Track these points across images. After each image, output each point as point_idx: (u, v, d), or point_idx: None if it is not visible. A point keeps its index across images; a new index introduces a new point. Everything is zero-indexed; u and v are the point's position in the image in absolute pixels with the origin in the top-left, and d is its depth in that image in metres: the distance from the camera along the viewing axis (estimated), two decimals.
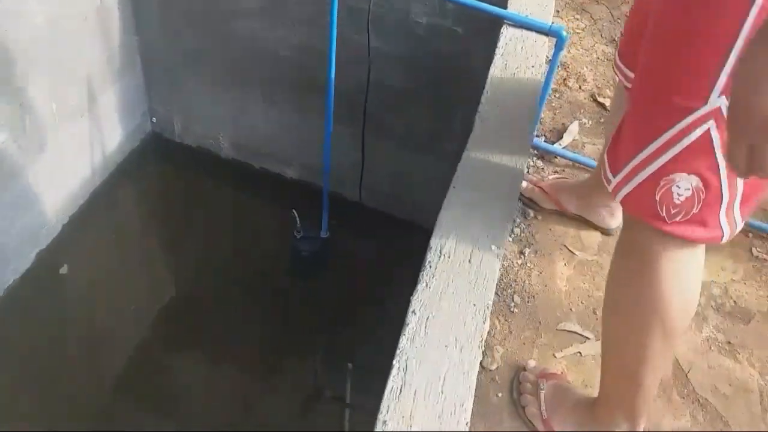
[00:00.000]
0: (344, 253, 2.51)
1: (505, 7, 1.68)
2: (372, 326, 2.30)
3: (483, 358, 1.37)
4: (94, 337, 2.26)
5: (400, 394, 0.87)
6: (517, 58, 1.52)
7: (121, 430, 2.06)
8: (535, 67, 1.49)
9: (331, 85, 1.89)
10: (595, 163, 1.80)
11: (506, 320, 1.46)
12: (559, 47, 1.58)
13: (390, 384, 0.88)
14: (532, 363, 1.35)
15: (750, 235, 1.72)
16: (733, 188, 0.90)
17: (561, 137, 1.94)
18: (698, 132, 0.87)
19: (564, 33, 1.58)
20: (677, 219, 0.93)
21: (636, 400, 1.10)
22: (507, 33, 1.60)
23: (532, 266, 1.58)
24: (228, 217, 2.70)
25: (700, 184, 0.90)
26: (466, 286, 1.00)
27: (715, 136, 0.86)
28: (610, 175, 1.00)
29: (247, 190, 2.77)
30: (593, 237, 1.65)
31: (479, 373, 1.35)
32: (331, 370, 2.34)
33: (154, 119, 2.77)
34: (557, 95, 2.11)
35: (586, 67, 2.22)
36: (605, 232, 1.65)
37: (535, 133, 1.89)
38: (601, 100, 2.09)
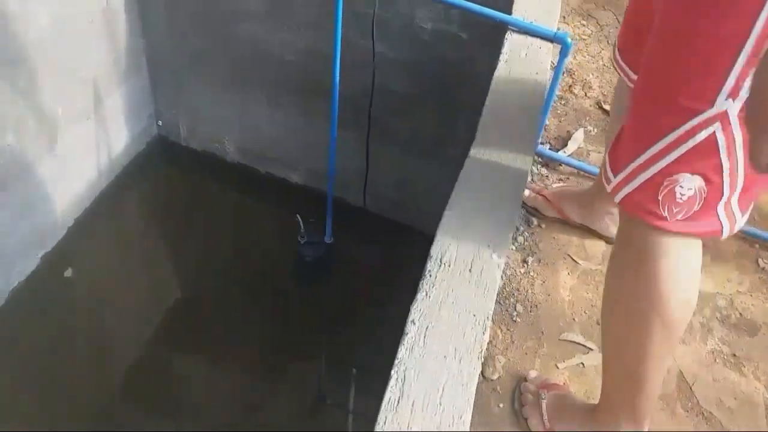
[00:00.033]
0: (348, 259, 2.50)
1: (510, 13, 1.67)
2: (374, 331, 2.29)
3: (484, 367, 1.36)
4: (98, 340, 2.27)
5: (397, 405, 0.86)
6: (521, 64, 1.51)
7: (122, 431, 2.06)
8: (539, 74, 1.48)
9: (335, 90, 1.89)
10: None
11: (508, 329, 1.45)
12: (563, 54, 1.57)
13: (388, 395, 0.87)
14: (533, 374, 1.33)
15: (756, 246, 1.70)
16: (734, 185, 0.90)
17: (566, 145, 1.93)
18: (704, 134, 0.86)
19: (569, 40, 1.56)
20: (678, 218, 0.93)
21: (639, 400, 1.09)
22: (511, 39, 1.59)
23: (535, 275, 1.56)
24: (233, 221, 2.70)
25: (703, 184, 0.90)
26: (467, 295, 0.99)
27: (721, 138, 0.86)
28: (610, 174, 0.99)
29: (252, 195, 2.77)
30: (597, 246, 1.63)
31: (480, 382, 1.34)
32: (333, 373, 2.34)
33: (160, 122, 2.78)
34: (562, 102, 2.10)
35: (592, 74, 2.21)
36: (609, 240, 1.63)
37: (540, 140, 1.88)
38: (606, 107, 2.07)
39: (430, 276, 1.00)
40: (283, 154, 2.65)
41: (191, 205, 2.73)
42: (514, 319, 1.47)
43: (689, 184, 0.90)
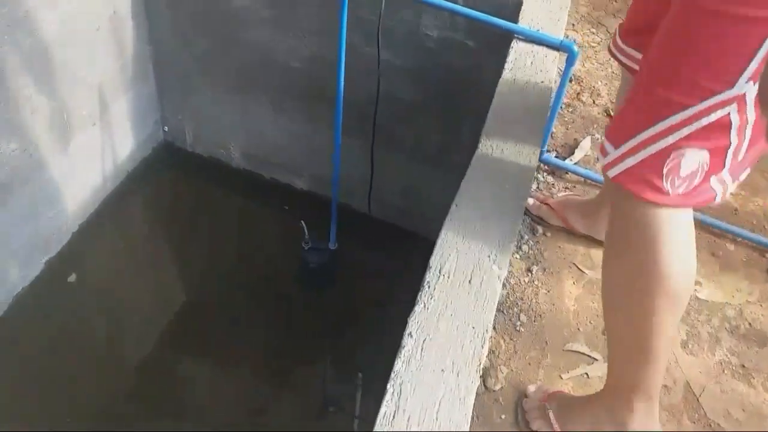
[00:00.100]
0: (352, 265, 2.49)
1: (517, 22, 1.65)
2: (378, 337, 2.28)
3: (487, 378, 1.34)
4: (102, 345, 2.27)
5: (393, 419, 0.85)
6: (526, 72, 1.50)
7: (122, 431, 2.06)
8: (544, 82, 1.46)
9: (340, 97, 1.88)
10: None
11: (512, 340, 1.43)
12: (570, 62, 1.56)
13: (383, 409, 0.85)
14: (532, 388, 1.31)
15: (767, 255, 1.67)
16: (735, 159, 0.92)
17: (573, 153, 1.91)
18: (719, 113, 0.86)
19: (575, 48, 1.55)
20: (680, 191, 0.93)
21: (650, 375, 1.07)
22: (517, 47, 1.57)
23: (539, 284, 1.54)
24: (238, 227, 2.70)
25: (708, 159, 0.90)
26: (466, 307, 0.97)
27: (735, 119, 0.86)
28: (610, 148, 0.98)
29: (257, 200, 2.77)
30: None
31: (482, 393, 1.32)
32: (336, 379, 2.33)
33: (166, 128, 2.78)
34: (570, 110, 2.08)
35: (601, 82, 2.19)
36: None
37: (546, 148, 1.86)
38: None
39: (429, 287, 0.98)
40: (287, 160, 2.65)
41: (196, 210, 2.73)
42: (518, 328, 1.45)
43: (695, 157, 0.91)
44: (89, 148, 2.39)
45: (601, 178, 1.80)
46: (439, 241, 1.06)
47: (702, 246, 1.67)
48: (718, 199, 0.96)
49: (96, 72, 2.30)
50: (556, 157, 1.88)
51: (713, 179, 0.94)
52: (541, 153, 1.77)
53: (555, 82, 1.58)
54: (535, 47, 1.59)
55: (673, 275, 0.98)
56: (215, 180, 2.78)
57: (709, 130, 0.88)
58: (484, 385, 1.33)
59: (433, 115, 2.18)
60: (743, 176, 0.99)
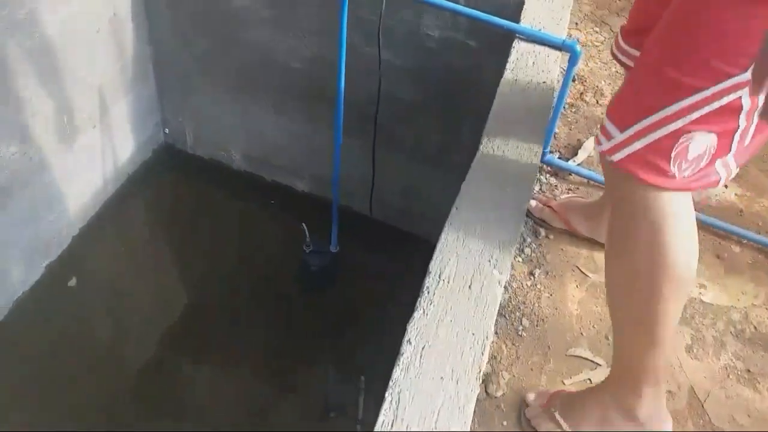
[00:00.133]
0: (353, 267, 2.47)
1: (519, 21, 1.64)
2: (379, 339, 2.26)
3: (488, 384, 1.32)
4: (102, 348, 2.26)
5: (391, 428, 0.83)
6: (528, 72, 1.48)
7: (122, 431, 2.05)
8: (546, 82, 1.44)
9: (340, 97, 1.87)
10: None
11: (513, 344, 1.41)
12: (573, 62, 1.53)
13: (381, 417, 0.83)
14: (531, 396, 1.29)
15: None
16: (741, 143, 0.91)
17: (576, 154, 1.88)
18: (732, 97, 0.85)
19: (578, 48, 1.53)
20: (686, 174, 0.92)
21: (657, 361, 1.06)
22: (519, 47, 1.56)
23: (542, 288, 1.52)
24: (239, 229, 2.69)
25: (716, 142, 0.89)
26: (466, 313, 0.95)
27: (746, 103, 0.86)
28: (613, 131, 0.96)
29: (258, 202, 2.75)
30: None
31: (484, 399, 1.30)
32: (337, 381, 2.32)
33: (167, 130, 2.77)
34: (573, 110, 2.06)
35: (604, 81, 2.17)
36: None
37: (549, 149, 1.84)
38: None
39: (428, 293, 0.96)
40: (288, 162, 2.64)
41: (197, 212, 2.72)
42: (520, 333, 1.43)
43: (704, 140, 0.89)
44: (90, 150, 2.38)
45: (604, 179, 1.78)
46: (438, 245, 1.04)
47: (707, 248, 1.65)
48: (722, 183, 0.96)
49: (96, 74, 2.29)
50: (558, 158, 1.86)
51: (718, 162, 0.93)
52: (544, 154, 1.75)
53: (557, 82, 1.56)
54: (537, 47, 1.57)
55: (680, 263, 0.97)
56: (216, 182, 2.77)
57: (720, 113, 0.87)
58: (486, 392, 1.31)
59: (433, 115, 2.16)
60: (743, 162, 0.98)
